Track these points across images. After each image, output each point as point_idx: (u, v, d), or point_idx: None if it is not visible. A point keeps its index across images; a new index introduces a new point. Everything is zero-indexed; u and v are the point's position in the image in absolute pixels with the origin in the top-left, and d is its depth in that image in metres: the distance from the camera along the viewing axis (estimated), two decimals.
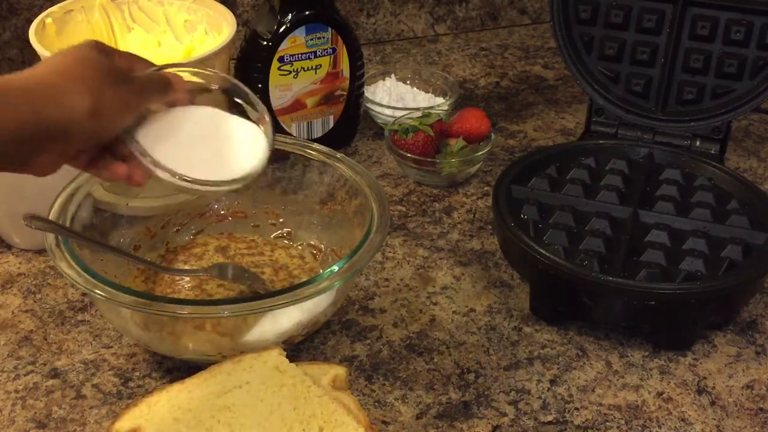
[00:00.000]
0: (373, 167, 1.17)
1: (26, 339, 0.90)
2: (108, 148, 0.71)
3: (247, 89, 0.78)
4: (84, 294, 0.92)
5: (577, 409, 0.84)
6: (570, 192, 1.00)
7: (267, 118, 0.78)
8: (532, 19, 1.55)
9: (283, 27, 1.09)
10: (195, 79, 0.77)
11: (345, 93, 1.16)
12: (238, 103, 0.78)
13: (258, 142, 0.77)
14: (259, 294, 0.88)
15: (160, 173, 0.71)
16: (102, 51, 0.69)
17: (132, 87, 0.69)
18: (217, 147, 0.75)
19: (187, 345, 0.84)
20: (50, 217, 0.85)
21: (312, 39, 1.11)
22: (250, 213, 1.00)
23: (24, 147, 0.63)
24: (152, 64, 0.74)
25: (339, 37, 1.12)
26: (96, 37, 1.15)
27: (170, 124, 0.73)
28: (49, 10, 1.10)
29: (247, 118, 0.78)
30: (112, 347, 0.90)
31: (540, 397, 0.85)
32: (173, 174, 0.71)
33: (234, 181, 0.74)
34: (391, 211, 1.04)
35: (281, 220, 1.00)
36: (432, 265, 1.01)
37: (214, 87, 0.78)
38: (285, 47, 1.10)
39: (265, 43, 1.10)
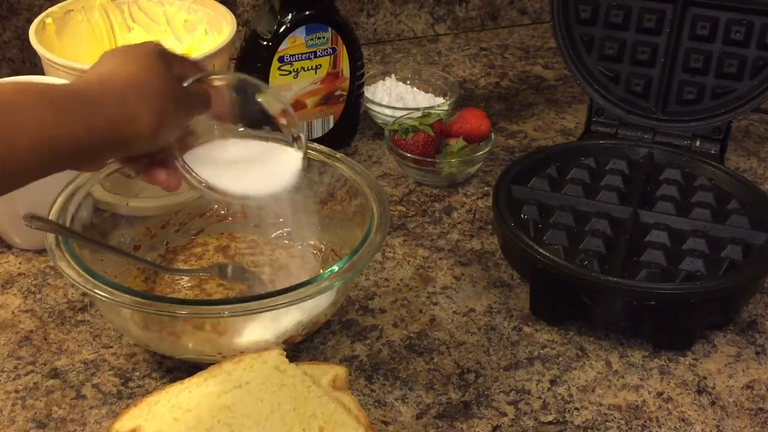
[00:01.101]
0: (373, 167, 1.17)
1: (26, 339, 0.90)
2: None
3: (269, 86, 0.83)
4: (84, 294, 0.92)
5: (577, 409, 0.84)
6: (570, 192, 1.00)
7: (291, 111, 0.81)
8: (532, 19, 1.55)
9: (283, 27, 1.09)
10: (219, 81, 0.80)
11: (345, 93, 1.16)
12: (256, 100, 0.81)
13: (290, 160, 0.81)
14: (259, 294, 0.88)
15: (204, 192, 0.76)
16: (165, 60, 0.72)
17: (186, 103, 0.72)
18: (251, 165, 0.80)
19: (187, 345, 0.84)
20: (50, 217, 0.85)
21: (312, 39, 1.10)
22: (251, 213, 1.00)
23: (89, 154, 0.66)
24: (200, 68, 0.76)
25: (339, 37, 1.12)
26: (96, 37, 1.15)
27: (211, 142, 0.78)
28: (49, 10, 1.10)
29: (272, 122, 0.81)
30: (112, 347, 0.90)
31: (540, 397, 0.85)
32: (213, 190, 0.76)
33: (261, 197, 0.80)
34: (391, 211, 1.04)
35: (281, 219, 1.00)
36: (432, 265, 1.01)
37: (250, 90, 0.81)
38: (285, 47, 1.10)
39: (265, 43, 1.10)
